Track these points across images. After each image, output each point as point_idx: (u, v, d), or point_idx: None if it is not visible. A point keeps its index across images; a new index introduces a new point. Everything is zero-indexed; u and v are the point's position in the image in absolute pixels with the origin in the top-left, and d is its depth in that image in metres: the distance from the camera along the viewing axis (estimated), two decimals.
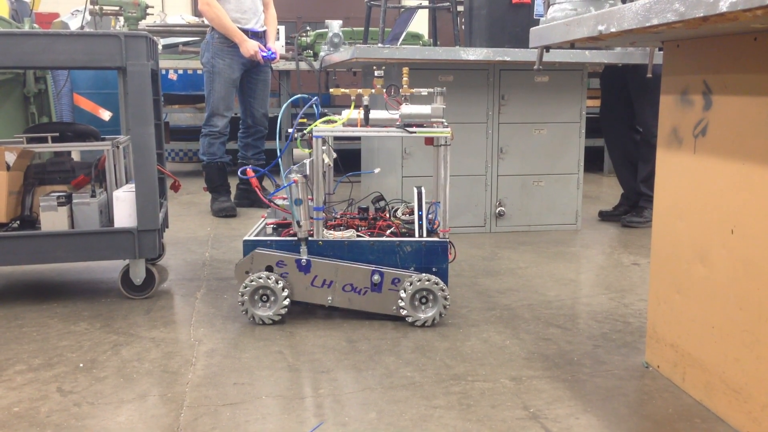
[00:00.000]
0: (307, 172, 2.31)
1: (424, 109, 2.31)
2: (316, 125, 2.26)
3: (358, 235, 2.35)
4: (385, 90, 2.37)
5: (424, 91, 2.38)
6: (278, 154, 2.30)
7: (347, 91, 2.35)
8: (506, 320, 2.36)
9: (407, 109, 2.31)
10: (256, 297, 2.27)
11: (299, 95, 2.59)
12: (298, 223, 2.27)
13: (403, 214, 2.52)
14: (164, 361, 2.00)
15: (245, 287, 2.25)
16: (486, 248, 3.44)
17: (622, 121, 4.03)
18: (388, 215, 2.54)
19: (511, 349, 2.11)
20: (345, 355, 2.05)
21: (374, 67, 2.44)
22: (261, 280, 2.24)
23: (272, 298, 2.27)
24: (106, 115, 4.92)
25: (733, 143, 1.57)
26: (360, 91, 2.33)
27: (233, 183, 4.53)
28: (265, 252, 2.29)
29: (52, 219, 2.50)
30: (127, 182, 2.78)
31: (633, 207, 4.08)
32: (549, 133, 3.81)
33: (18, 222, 2.64)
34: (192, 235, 3.70)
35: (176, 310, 2.48)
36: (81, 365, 1.97)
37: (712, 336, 1.66)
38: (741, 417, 1.57)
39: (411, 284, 2.25)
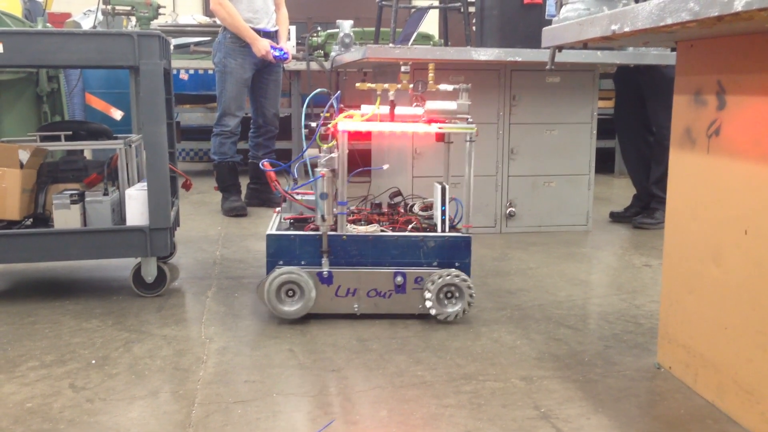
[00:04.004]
0: (335, 166, 2.31)
1: (450, 105, 2.32)
2: (339, 119, 2.27)
3: (381, 230, 2.35)
4: (411, 86, 2.37)
5: (450, 87, 2.38)
6: (304, 147, 2.31)
7: (373, 86, 2.35)
8: (517, 320, 2.36)
9: (433, 105, 2.32)
10: (282, 290, 2.26)
11: (320, 89, 2.60)
12: (322, 217, 2.26)
13: (419, 210, 2.52)
14: (176, 359, 2.01)
15: (274, 278, 2.25)
16: (496, 248, 3.43)
17: (635, 121, 4.01)
18: (403, 210, 2.54)
19: (521, 348, 2.10)
20: (356, 354, 2.05)
21: (401, 62, 2.44)
22: (293, 275, 2.24)
23: (298, 294, 2.27)
24: (117, 114, 4.94)
25: (747, 143, 1.56)
26: (386, 86, 2.33)
27: (244, 182, 4.55)
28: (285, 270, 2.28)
29: (65, 217, 2.51)
30: (139, 181, 2.79)
31: (644, 208, 4.06)
32: (560, 134, 3.80)
33: (31, 220, 2.67)
34: (203, 234, 3.72)
35: (187, 308, 2.49)
36: (93, 362, 1.99)
37: (725, 337, 1.65)
38: (754, 418, 1.56)
39: (433, 282, 2.25)
